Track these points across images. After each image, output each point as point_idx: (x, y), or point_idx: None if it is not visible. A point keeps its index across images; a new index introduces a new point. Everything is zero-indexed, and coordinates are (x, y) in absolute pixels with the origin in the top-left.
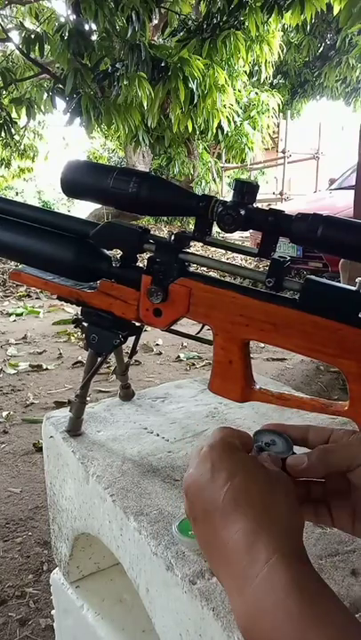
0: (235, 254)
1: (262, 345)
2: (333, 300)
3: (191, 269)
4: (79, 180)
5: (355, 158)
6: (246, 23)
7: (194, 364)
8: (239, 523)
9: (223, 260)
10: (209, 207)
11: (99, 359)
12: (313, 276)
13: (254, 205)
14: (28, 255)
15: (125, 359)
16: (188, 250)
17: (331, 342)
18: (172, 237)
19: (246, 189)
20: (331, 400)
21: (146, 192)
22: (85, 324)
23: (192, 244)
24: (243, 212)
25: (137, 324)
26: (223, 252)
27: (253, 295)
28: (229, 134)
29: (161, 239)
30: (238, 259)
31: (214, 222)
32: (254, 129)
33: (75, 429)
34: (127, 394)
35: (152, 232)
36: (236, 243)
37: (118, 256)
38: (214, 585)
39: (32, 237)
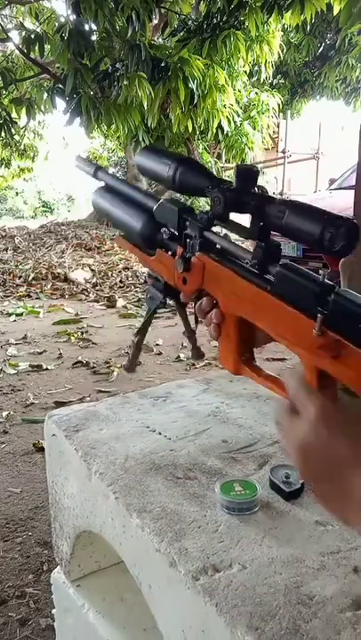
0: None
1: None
2: (298, 289)
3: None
4: (142, 164)
5: (355, 158)
6: (246, 23)
7: (194, 364)
8: None
9: (238, 242)
10: (215, 189)
11: (150, 313)
12: (289, 263)
13: (255, 190)
14: (118, 223)
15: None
16: (213, 229)
17: (291, 329)
18: (202, 217)
19: (243, 173)
20: None
21: (178, 176)
22: (149, 285)
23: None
24: (227, 195)
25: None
26: None
27: (244, 275)
28: (229, 134)
29: (195, 218)
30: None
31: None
32: (254, 129)
33: (129, 369)
34: (197, 354)
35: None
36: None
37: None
38: (217, 581)
39: (121, 208)
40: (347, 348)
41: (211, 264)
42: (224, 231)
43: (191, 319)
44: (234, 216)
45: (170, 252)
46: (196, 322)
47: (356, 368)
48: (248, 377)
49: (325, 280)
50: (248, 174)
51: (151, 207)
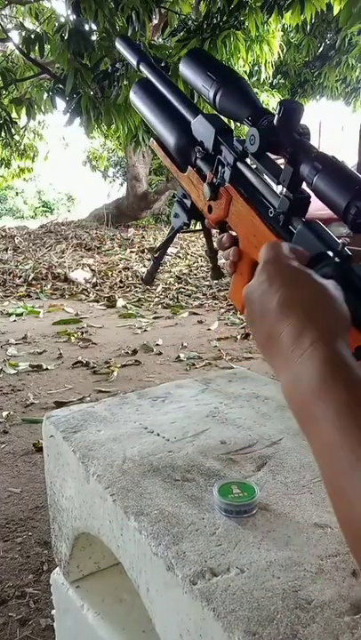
0: None
1: None
2: (314, 251)
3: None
4: (185, 73)
5: (355, 158)
6: (246, 23)
7: (194, 364)
8: (290, 318)
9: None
10: (253, 126)
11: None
12: (313, 222)
13: (298, 129)
14: (153, 128)
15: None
16: (248, 161)
17: None
18: (238, 147)
19: (287, 111)
20: None
21: (219, 99)
22: (176, 200)
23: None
24: (263, 136)
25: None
26: None
27: (267, 221)
28: None
29: (230, 145)
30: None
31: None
32: None
33: (148, 281)
34: (216, 274)
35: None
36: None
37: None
38: (215, 585)
39: (158, 113)
40: None
41: (237, 200)
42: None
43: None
44: None
45: (201, 174)
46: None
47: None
48: None
49: (344, 249)
50: (292, 113)
51: (190, 120)
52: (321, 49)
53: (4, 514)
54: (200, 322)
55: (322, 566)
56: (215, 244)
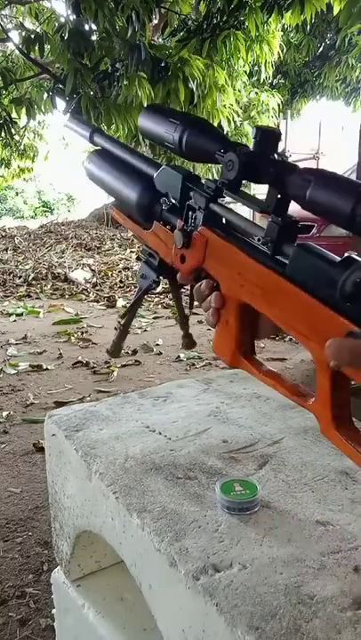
0: None
1: (262, 345)
2: (318, 274)
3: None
4: (145, 125)
5: (355, 158)
6: (246, 23)
7: (194, 364)
8: None
9: (246, 216)
10: (228, 153)
11: (141, 292)
12: (308, 243)
13: (275, 156)
14: (112, 191)
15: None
16: (222, 201)
17: (305, 320)
18: (209, 187)
19: (263, 136)
20: (308, 391)
21: (186, 139)
22: (141, 261)
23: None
24: (242, 159)
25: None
26: None
27: (253, 254)
28: (229, 134)
29: (200, 187)
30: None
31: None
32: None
33: (113, 353)
34: (188, 343)
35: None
36: (259, 197)
37: (172, 199)
38: (218, 581)
39: (116, 174)
40: None
41: (215, 240)
42: (231, 204)
43: (186, 303)
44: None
45: (168, 226)
46: (191, 307)
47: None
48: (246, 370)
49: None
50: (268, 137)
51: (151, 174)
52: (321, 49)
53: (4, 514)
54: (200, 322)
55: (324, 562)
56: (187, 310)
